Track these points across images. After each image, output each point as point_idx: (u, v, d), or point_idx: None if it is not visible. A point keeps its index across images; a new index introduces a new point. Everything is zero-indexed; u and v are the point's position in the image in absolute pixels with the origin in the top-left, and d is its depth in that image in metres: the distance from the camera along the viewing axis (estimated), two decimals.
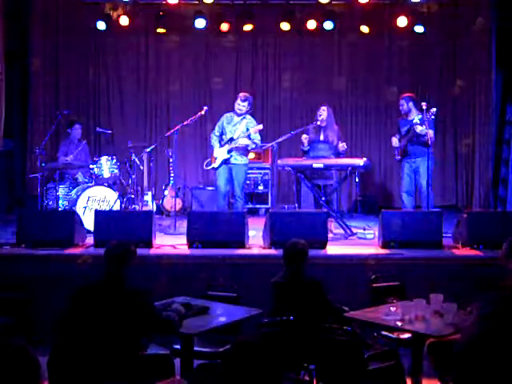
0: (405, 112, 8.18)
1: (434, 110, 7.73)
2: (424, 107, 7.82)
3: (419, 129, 7.78)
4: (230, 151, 7.95)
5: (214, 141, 8.11)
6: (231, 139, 7.96)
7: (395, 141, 8.19)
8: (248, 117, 8.08)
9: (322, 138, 8.17)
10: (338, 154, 8.15)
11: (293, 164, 7.95)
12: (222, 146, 8.02)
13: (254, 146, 8.07)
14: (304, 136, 8.15)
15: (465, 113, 10.38)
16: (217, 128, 8.16)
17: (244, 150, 8.02)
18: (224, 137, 8.05)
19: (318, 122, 8.12)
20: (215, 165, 8.04)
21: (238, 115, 8.03)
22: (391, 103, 10.64)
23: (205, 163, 8.26)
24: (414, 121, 7.86)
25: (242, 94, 8.12)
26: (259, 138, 8.03)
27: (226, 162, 7.97)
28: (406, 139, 8.04)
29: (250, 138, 7.96)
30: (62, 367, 3.82)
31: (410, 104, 8.16)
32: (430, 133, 7.82)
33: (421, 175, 7.98)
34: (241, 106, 7.99)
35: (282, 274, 4.91)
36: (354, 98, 10.70)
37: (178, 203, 9.08)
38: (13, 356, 2.30)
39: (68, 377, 3.77)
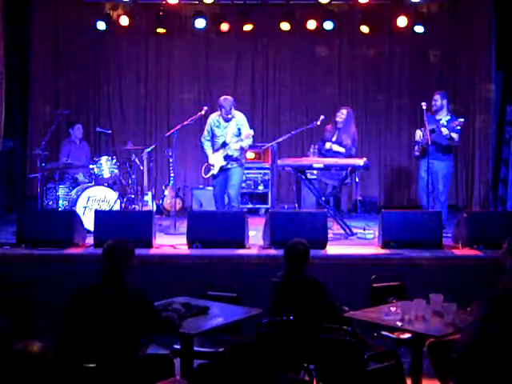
0: (436, 108, 7.96)
1: (462, 120, 7.72)
2: (424, 107, 7.79)
3: (445, 132, 7.69)
4: (226, 158, 7.79)
5: (207, 146, 7.95)
6: (224, 144, 7.79)
7: (419, 134, 7.92)
8: (235, 114, 7.86)
9: (334, 139, 8.19)
10: (350, 157, 8.13)
11: (293, 164, 7.96)
12: (215, 150, 7.86)
13: (246, 146, 7.90)
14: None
15: (465, 113, 10.36)
16: (206, 132, 7.98)
17: (239, 154, 7.86)
18: (216, 140, 7.87)
19: (319, 122, 8.07)
20: (214, 171, 7.86)
21: (226, 120, 7.82)
22: (391, 103, 10.68)
23: (203, 171, 8.10)
24: (442, 121, 7.78)
25: (225, 104, 7.74)
26: (249, 142, 7.86)
27: (223, 169, 7.84)
28: (430, 139, 7.65)
29: (241, 139, 7.79)
30: (63, 366, 3.82)
31: (444, 101, 7.98)
32: (455, 136, 7.79)
33: (438, 180, 7.90)
34: (227, 113, 7.75)
35: (281, 274, 4.91)
36: (354, 97, 10.69)
37: (178, 203, 9.07)
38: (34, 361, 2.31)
39: (68, 376, 3.77)
